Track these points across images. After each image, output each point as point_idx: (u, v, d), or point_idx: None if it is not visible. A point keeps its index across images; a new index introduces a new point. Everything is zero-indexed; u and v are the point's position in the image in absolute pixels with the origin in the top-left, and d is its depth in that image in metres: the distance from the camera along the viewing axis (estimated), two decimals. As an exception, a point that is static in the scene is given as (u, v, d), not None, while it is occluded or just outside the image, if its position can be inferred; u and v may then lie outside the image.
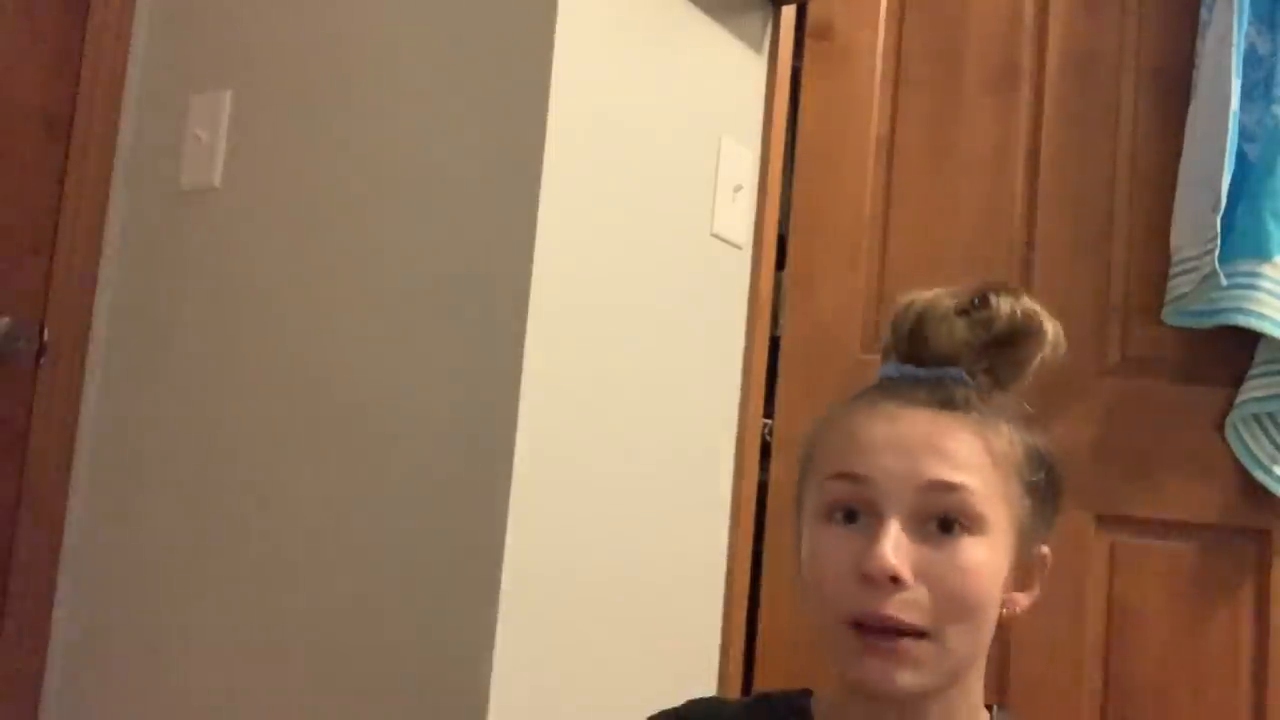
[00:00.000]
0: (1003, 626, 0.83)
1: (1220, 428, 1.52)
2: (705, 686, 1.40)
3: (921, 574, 0.76)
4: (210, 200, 1.44)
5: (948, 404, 0.80)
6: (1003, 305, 0.82)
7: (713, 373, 1.43)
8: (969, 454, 0.79)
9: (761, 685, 1.48)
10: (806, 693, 0.91)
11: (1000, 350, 0.82)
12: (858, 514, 0.79)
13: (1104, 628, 1.52)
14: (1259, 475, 1.49)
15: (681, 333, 1.37)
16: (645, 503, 1.31)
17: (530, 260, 1.15)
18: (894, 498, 0.78)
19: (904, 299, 0.85)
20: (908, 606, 0.76)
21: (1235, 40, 1.46)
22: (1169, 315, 1.53)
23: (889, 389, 0.83)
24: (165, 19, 1.54)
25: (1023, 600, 0.85)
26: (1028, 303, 0.82)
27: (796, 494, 0.87)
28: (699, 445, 1.41)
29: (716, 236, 1.42)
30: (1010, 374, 0.83)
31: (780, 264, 1.58)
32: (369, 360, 1.26)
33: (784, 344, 1.59)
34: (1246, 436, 1.50)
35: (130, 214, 1.52)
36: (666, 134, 1.34)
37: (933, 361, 0.83)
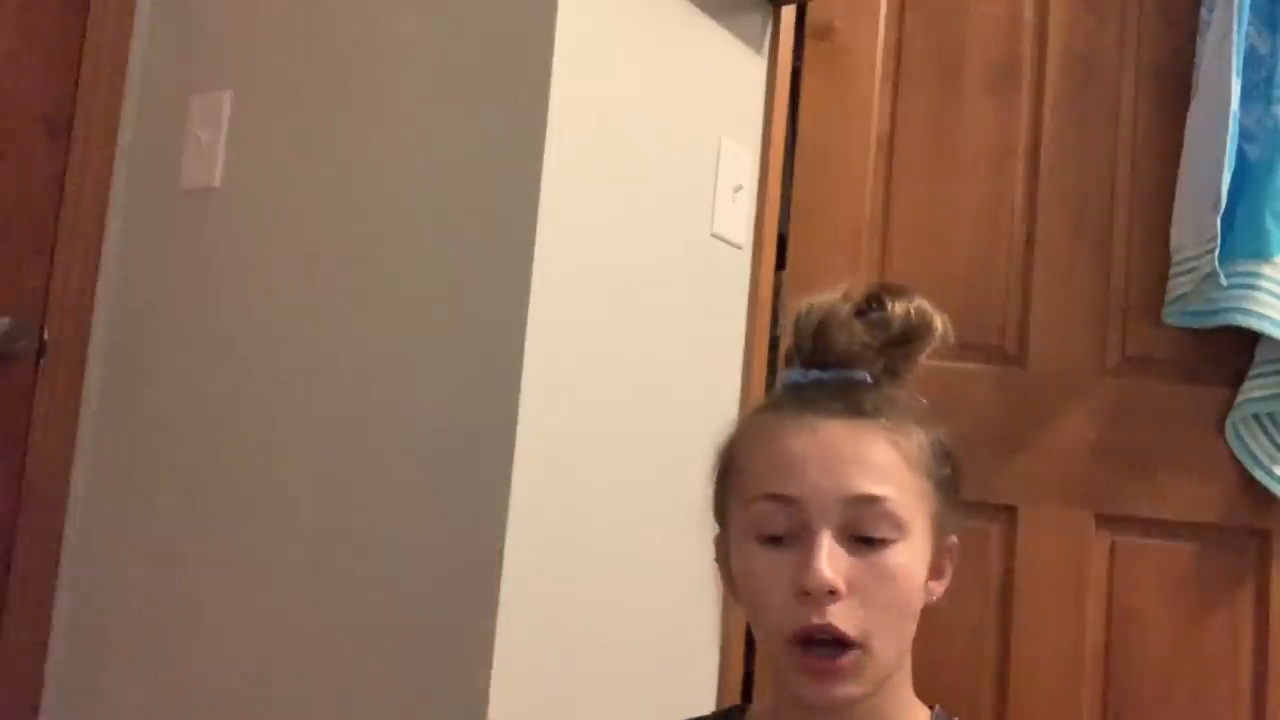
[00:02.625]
0: (922, 616, 0.86)
1: (1220, 428, 1.52)
2: (705, 687, 1.40)
3: (853, 584, 0.80)
4: (210, 200, 1.44)
5: (859, 412, 0.84)
6: (897, 307, 0.86)
7: (713, 373, 1.43)
8: (886, 463, 0.82)
9: (761, 686, 1.48)
10: (741, 708, 0.95)
11: (896, 349, 0.87)
12: (787, 535, 0.82)
13: (1104, 627, 1.52)
14: (1259, 475, 1.49)
15: (681, 333, 1.37)
16: (645, 503, 1.31)
17: (530, 260, 1.15)
18: (822, 513, 0.81)
19: (803, 304, 0.89)
20: (845, 616, 0.79)
21: (1235, 40, 1.46)
22: (1169, 315, 1.54)
23: (801, 397, 0.86)
24: (165, 19, 1.54)
25: (938, 589, 0.88)
26: (919, 301, 0.87)
27: (715, 502, 0.90)
28: (699, 445, 1.40)
29: (716, 236, 1.42)
30: (905, 369, 0.88)
31: (780, 264, 1.58)
32: (369, 360, 1.26)
33: (784, 344, 1.58)
34: (1246, 436, 1.50)
35: (130, 214, 1.52)
36: (666, 134, 1.34)
37: (836, 364, 0.86)
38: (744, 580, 0.85)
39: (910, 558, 0.82)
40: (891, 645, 0.82)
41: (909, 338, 0.87)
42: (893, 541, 0.81)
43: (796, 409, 0.85)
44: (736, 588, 0.86)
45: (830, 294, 0.88)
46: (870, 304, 0.87)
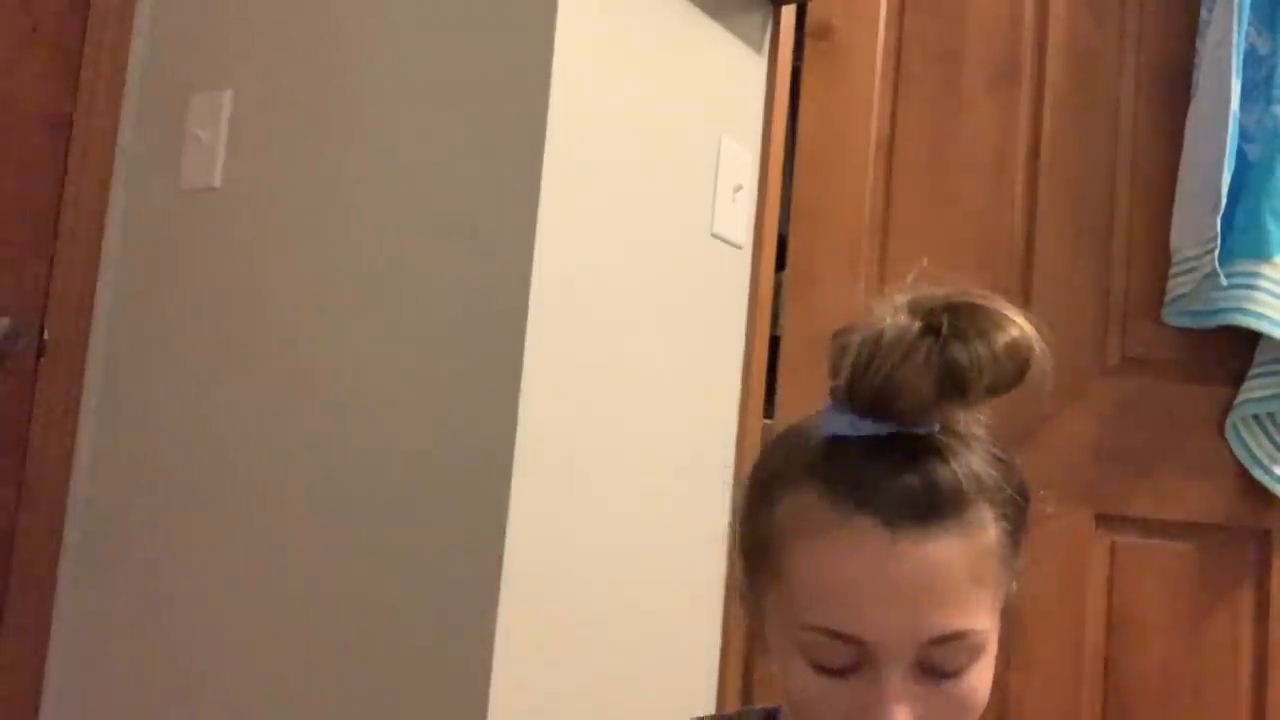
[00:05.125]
0: None
1: (1220, 428, 1.52)
2: (705, 687, 1.40)
3: (927, 715, 0.70)
4: (210, 200, 1.44)
5: (934, 509, 0.68)
6: (996, 346, 0.68)
7: (713, 373, 1.43)
8: (967, 585, 0.69)
9: (761, 686, 1.48)
10: (776, 710, 0.88)
11: (991, 395, 0.70)
12: (847, 667, 0.70)
13: (1104, 627, 1.52)
14: (1259, 475, 1.49)
15: (681, 333, 1.37)
16: (645, 503, 1.31)
17: (530, 260, 1.15)
18: (895, 655, 0.69)
19: (858, 332, 0.70)
20: None
21: (1235, 40, 1.46)
22: (1169, 315, 1.54)
23: (863, 483, 0.70)
24: (165, 19, 1.54)
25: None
26: (1016, 333, 0.69)
27: (744, 556, 0.78)
28: (699, 445, 1.41)
29: (716, 236, 1.42)
30: (998, 397, 0.72)
31: (780, 264, 1.58)
32: (369, 360, 1.26)
33: (784, 344, 1.59)
34: (1246, 436, 1.50)
35: (130, 214, 1.52)
36: (666, 134, 1.34)
37: (898, 418, 0.70)
38: (796, 698, 0.74)
39: (987, 670, 0.73)
40: None
41: (1005, 387, 0.69)
42: (972, 665, 0.72)
43: (855, 506, 0.69)
44: (786, 692, 0.75)
45: (897, 320, 0.69)
46: (957, 340, 0.67)
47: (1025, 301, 1.58)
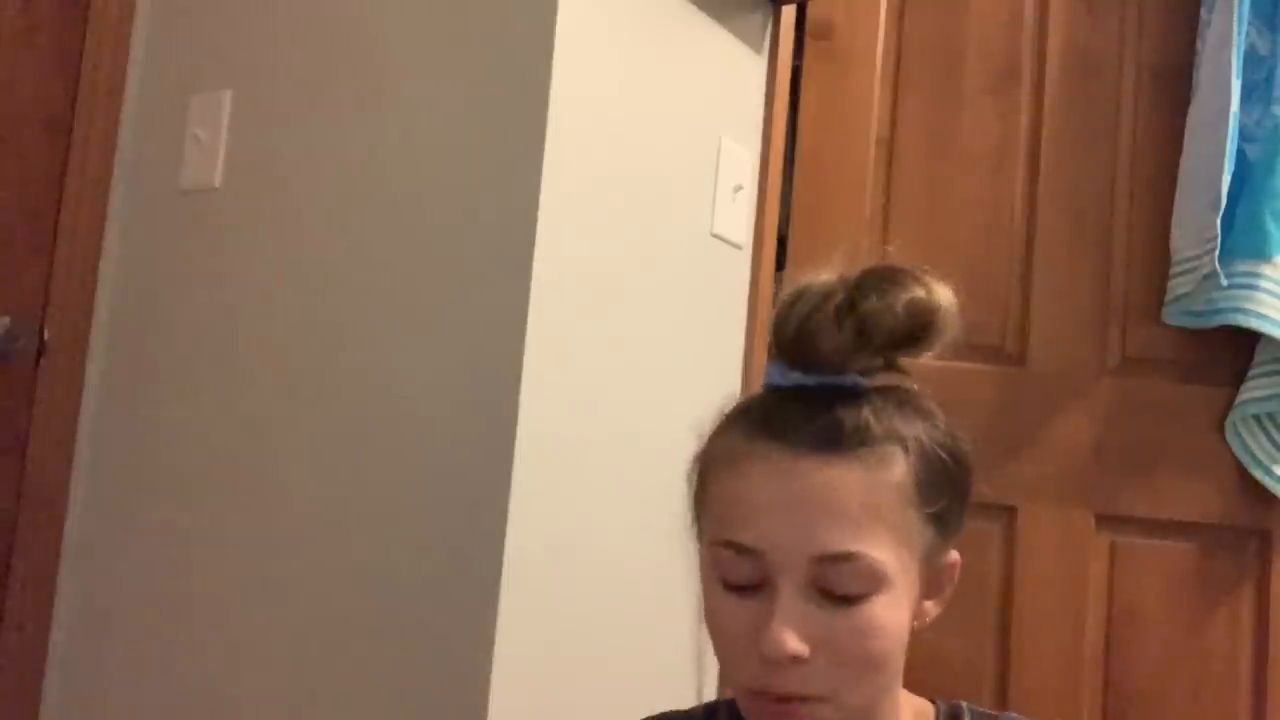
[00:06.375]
0: (913, 636, 0.80)
1: (1220, 428, 1.52)
2: (706, 687, 1.40)
3: (822, 643, 0.72)
4: (210, 200, 1.44)
5: (835, 442, 0.73)
6: (892, 301, 0.74)
7: (713, 373, 1.43)
8: (862, 510, 0.73)
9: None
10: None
11: (892, 349, 0.76)
12: (750, 584, 0.75)
13: (1104, 627, 1.52)
14: (1259, 475, 1.49)
15: (681, 333, 1.37)
16: (645, 503, 1.31)
17: (530, 260, 1.15)
18: (786, 569, 0.73)
19: (787, 290, 0.78)
20: (809, 679, 0.72)
21: (1235, 40, 1.47)
22: (1169, 315, 1.54)
23: (775, 414, 0.76)
24: (165, 19, 1.54)
25: (932, 609, 0.80)
26: (917, 292, 0.74)
27: (693, 512, 0.83)
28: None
29: (716, 236, 1.42)
30: (911, 355, 0.77)
31: (780, 264, 1.58)
32: (368, 359, 1.26)
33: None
34: (1246, 436, 1.50)
35: (130, 214, 1.52)
36: (666, 134, 1.34)
37: (820, 368, 0.76)
38: (708, 620, 0.78)
39: (891, 608, 0.74)
40: (869, 692, 0.75)
41: (907, 339, 0.75)
42: (870, 595, 0.73)
43: (767, 436, 0.75)
44: (705, 621, 0.79)
45: (821, 279, 0.77)
46: (862, 296, 0.74)
47: (1025, 301, 1.59)
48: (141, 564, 1.42)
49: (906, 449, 0.75)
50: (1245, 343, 1.50)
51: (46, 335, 1.46)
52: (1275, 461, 1.49)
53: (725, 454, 0.79)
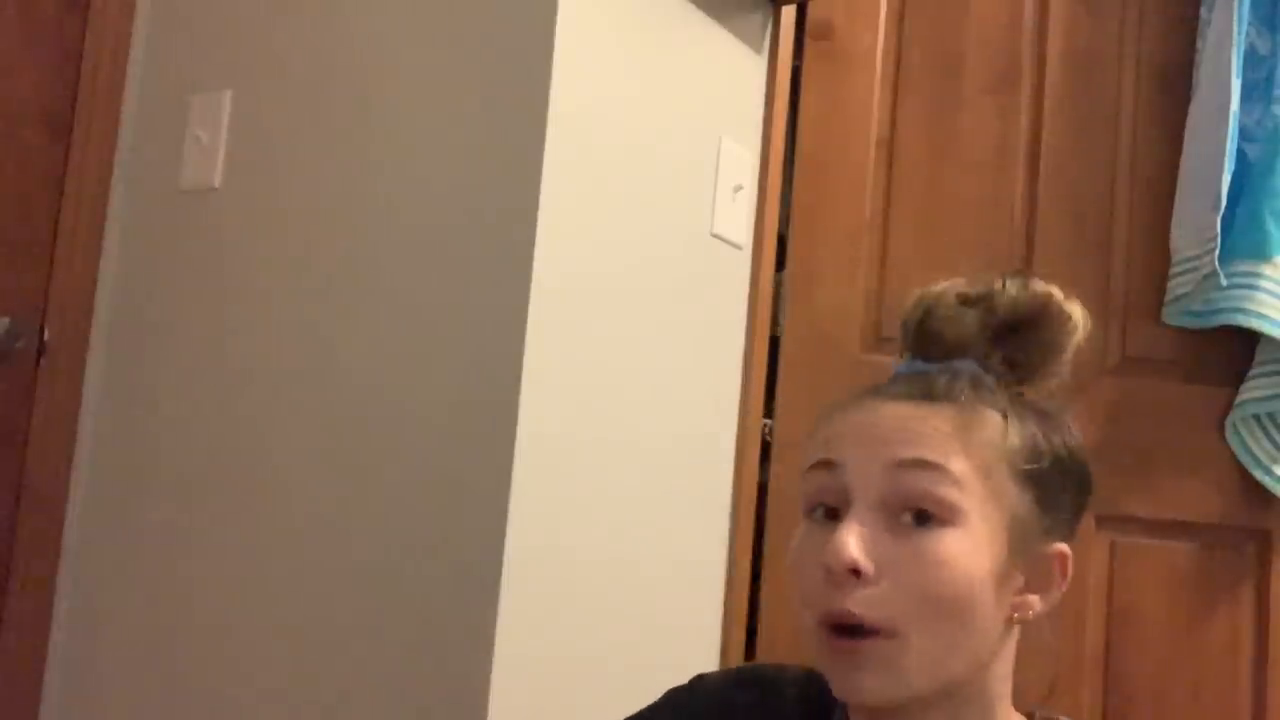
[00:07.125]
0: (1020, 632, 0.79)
1: (1220, 428, 1.52)
2: (705, 686, 1.40)
3: (888, 567, 0.70)
4: (210, 200, 1.44)
5: (927, 396, 0.75)
6: (1008, 289, 0.78)
7: (713, 373, 1.43)
8: (942, 440, 0.72)
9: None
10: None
11: (1013, 338, 0.77)
12: (836, 510, 0.74)
13: (1104, 627, 1.52)
14: (1259, 475, 1.49)
15: (681, 333, 1.37)
16: (645, 503, 1.31)
17: (530, 260, 1.15)
18: (862, 482, 0.73)
19: (915, 293, 0.82)
20: (870, 602, 0.70)
21: (1235, 40, 1.47)
22: (1169, 315, 1.54)
23: (888, 384, 0.79)
24: (165, 19, 1.54)
25: (1037, 603, 0.78)
26: (1039, 286, 0.78)
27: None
28: (699, 445, 1.41)
29: (716, 236, 1.42)
30: (1033, 362, 0.78)
31: (780, 264, 1.58)
32: (368, 359, 1.26)
33: (784, 344, 1.59)
34: (1246, 436, 1.50)
35: (130, 214, 1.52)
36: (666, 134, 1.34)
37: (942, 355, 0.78)
38: (790, 559, 0.76)
39: (967, 548, 0.71)
40: (940, 642, 0.71)
41: (1022, 323, 0.77)
42: (945, 524, 0.71)
43: (868, 393, 0.77)
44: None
45: (946, 282, 0.81)
46: (981, 289, 0.79)
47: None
48: (141, 564, 1.42)
49: (1010, 414, 0.75)
50: (1245, 343, 1.50)
51: (46, 335, 1.46)
52: (1275, 461, 1.49)
53: (828, 408, 0.79)
